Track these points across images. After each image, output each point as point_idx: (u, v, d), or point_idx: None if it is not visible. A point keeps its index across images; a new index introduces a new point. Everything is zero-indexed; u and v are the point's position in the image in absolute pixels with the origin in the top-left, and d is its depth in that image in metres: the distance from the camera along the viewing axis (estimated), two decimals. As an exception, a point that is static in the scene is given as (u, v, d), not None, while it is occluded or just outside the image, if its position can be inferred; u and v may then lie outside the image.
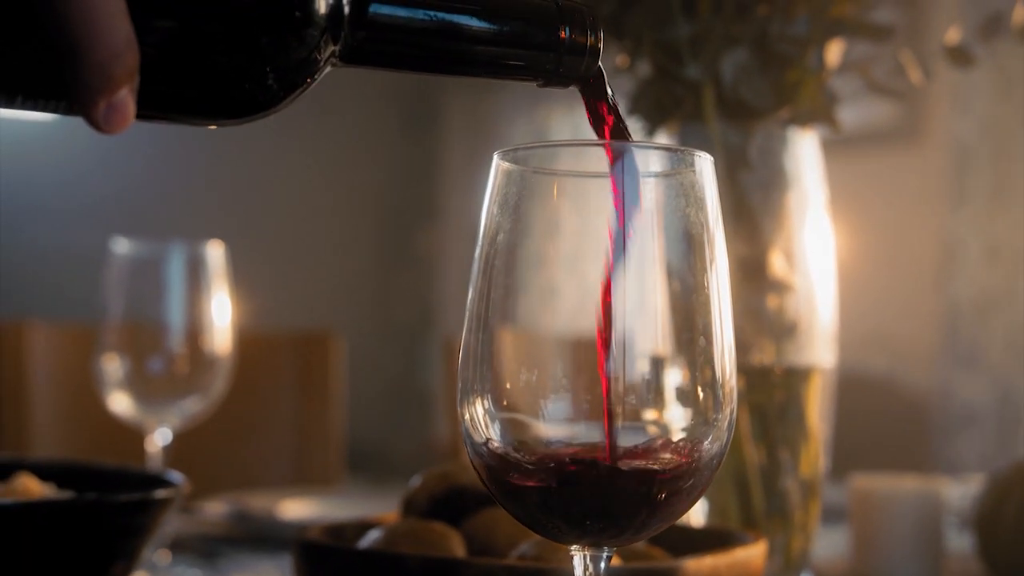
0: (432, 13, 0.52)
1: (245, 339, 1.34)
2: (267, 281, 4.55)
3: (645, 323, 0.51)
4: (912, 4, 3.53)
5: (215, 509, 1.38)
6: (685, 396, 0.51)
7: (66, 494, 0.79)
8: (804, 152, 0.95)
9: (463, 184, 5.78)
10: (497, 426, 0.51)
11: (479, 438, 0.52)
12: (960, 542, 1.34)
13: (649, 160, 0.52)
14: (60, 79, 0.44)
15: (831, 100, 0.95)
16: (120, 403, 1.12)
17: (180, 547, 1.20)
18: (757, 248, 0.93)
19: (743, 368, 0.92)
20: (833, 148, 1.00)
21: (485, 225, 0.53)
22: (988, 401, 3.46)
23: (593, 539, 0.52)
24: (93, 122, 0.45)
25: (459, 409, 0.53)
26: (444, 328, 5.71)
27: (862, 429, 3.26)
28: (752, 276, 0.93)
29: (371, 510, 1.27)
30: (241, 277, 1.20)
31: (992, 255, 3.47)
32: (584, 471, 0.50)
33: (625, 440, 0.50)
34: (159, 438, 1.13)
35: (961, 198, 3.55)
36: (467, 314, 0.53)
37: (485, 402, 0.52)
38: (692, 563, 0.69)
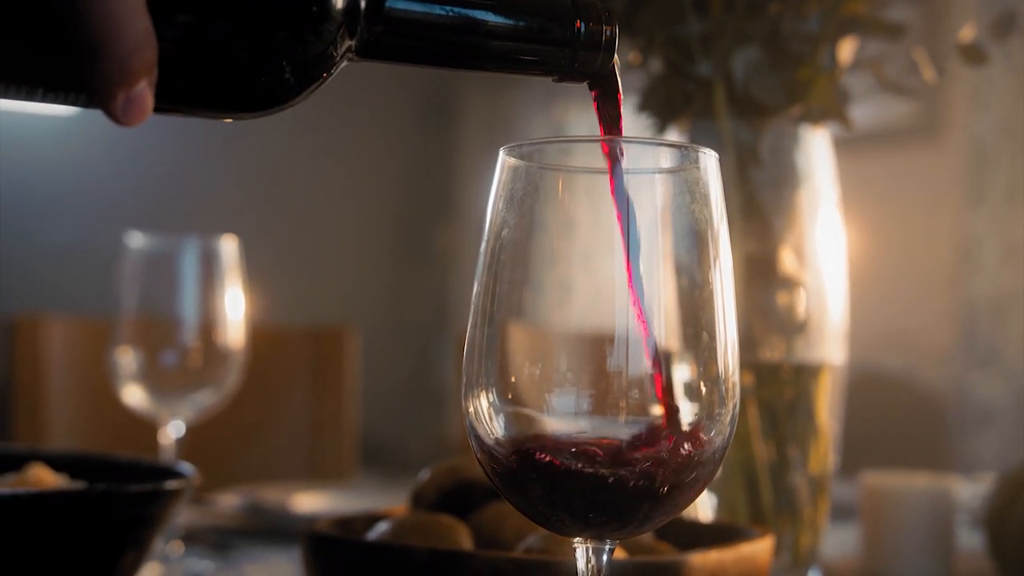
0: (448, 8, 0.52)
1: (259, 333, 1.35)
2: (282, 276, 4.57)
3: (651, 318, 0.51)
4: (928, 2, 3.52)
5: (228, 501, 1.39)
6: (689, 390, 0.52)
7: (78, 485, 0.80)
8: (815, 149, 0.95)
9: (479, 180, 5.78)
10: (501, 419, 0.52)
11: (483, 431, 0.52)
12: (972, 540, 1.34)
13: (654, 157, 0.53)
14: (80, 72, 0.45)
15: (843, 98, 0.95)
16: (134, 396, 1.13)
17: (193, 539, 1.21)
18: (768, 245, 0.93)
19: (753, 364, 0.92)
20: (850, 146, 1.00)
21: (491, 220, 0.54)
22: (1005, 400, 3.45)
23: (596, 532, 0.52)
24: (112, 114, 0.45)
25: (463, 402, 0.53)
26: (459, 324, 5.71)
27: (879, 427, 3.25)
28: (762, 273, 0.93)
29: (382, 503, 1.28)
30: (256, 272, 1.21)
31: (1009, 254, 3.46)
32: (587, 464, 0.50)
33: (628, 433, 0.51)
34: (172, 431, 1.13)
35: (979, 196, 3.53)
36: (472, 309, 0.54)
37: (490, 395, 0.52)
38: (698, 557, 0.69)
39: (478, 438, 0.53)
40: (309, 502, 1.40)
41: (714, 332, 0.52)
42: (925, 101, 3.66)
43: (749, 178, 0.91)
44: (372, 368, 3.12)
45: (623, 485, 0.51)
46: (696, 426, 0.52)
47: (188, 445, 1.16)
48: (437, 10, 0.52)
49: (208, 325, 1.13)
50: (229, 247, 1.16)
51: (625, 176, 0.52)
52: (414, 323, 5.73)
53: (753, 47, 0.89)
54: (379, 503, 1.31)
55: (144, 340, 1.12)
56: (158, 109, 0.47)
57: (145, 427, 1.31)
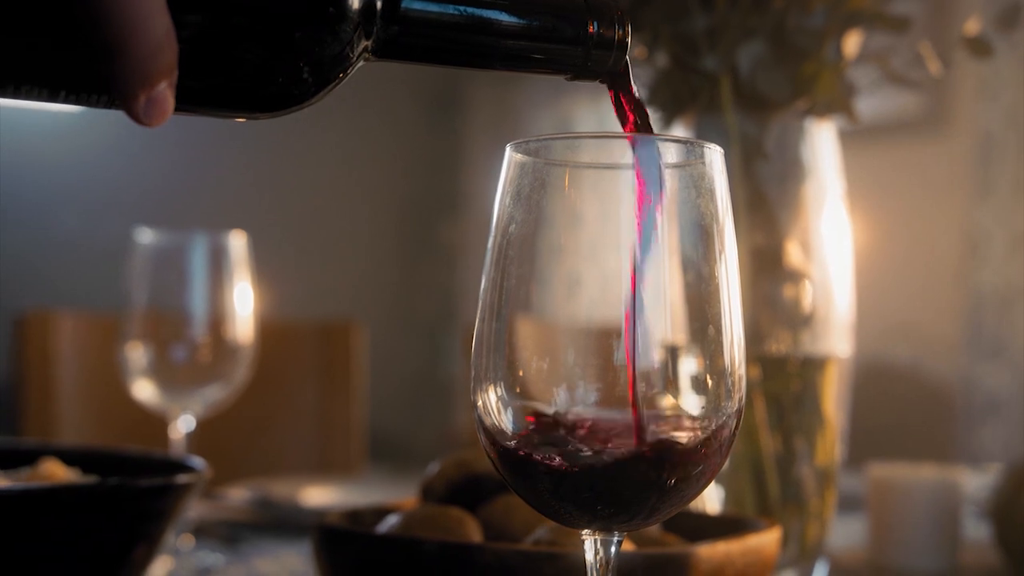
0: (463, 8, 0.53)
1: (267, 328, 1.35)
2: (289, 272, 4.58)
3: (658, 313, 0.52)
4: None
5: (237, 495, 1.40)
6: (696, 383, 0.52)
7: (90, 479, 0.81)
8: (821, 143, 0.96)
9: (486, 176, 5.78)
10: (509, 413, 0.52)
11: (492, 424, 0.53)
12: (979, 531, 1.34)
13: (660, 152, 0.53)
14: (101, 74, 0.46)
15: (848, 91, 0.95)
16: (144, 390, 1.14)
17: (203, 532, 1.22)
18: (774, 239, 0.93)
19: (759, 357, 0.93)
20: (857, 138, 1.00)
21: (498, 216, 0.54)
22: (1012, 391, 3.45)
23: (604, 524, 0.53)
24: (133, 115, 0.46)
25: (472, 396, 0.54)
26: (466, 319, 5.72)
27: (886, 419, 3.25)
28: (768, 266, 0.93)
29: (391, 497, 1.29)
30: (264, 267, 1.21)
31: (1016, 246, 3.45)
32: (595, 456, 0.50)
33: (638, 428, 0.51)
34: (182, 425, 1.14)
35: (986, 188, 3.53)
36: (480, 303, 0.54)
37: (498, 389, 0.53)
38: (705, 549, 0.70)
39: (487, 431, 0.53)
40: (318, 496, 1.41)
41: (720, 326, 0.53)
42: (931, 94, 3.66)
43: (755, 172, 0.91)
44: (379, 363, 3.13)
45: (631, 478, 0.51)
46: (703, 419, 0.52)
47: (197, 439, 1.17)
48: (452, 10, 0.53)
49: (217, 320, 1.14)
50: (238, 242, 1.17)
51: (632, 171, 0.52)
52: (421, 318, 5.74)
53: (758, 41, 0.90)
54: (387, 496, 1.31)
55: (154, 335, 1.13)
56: (177, 109, 0.48)
57: (154, 423, 1.32)
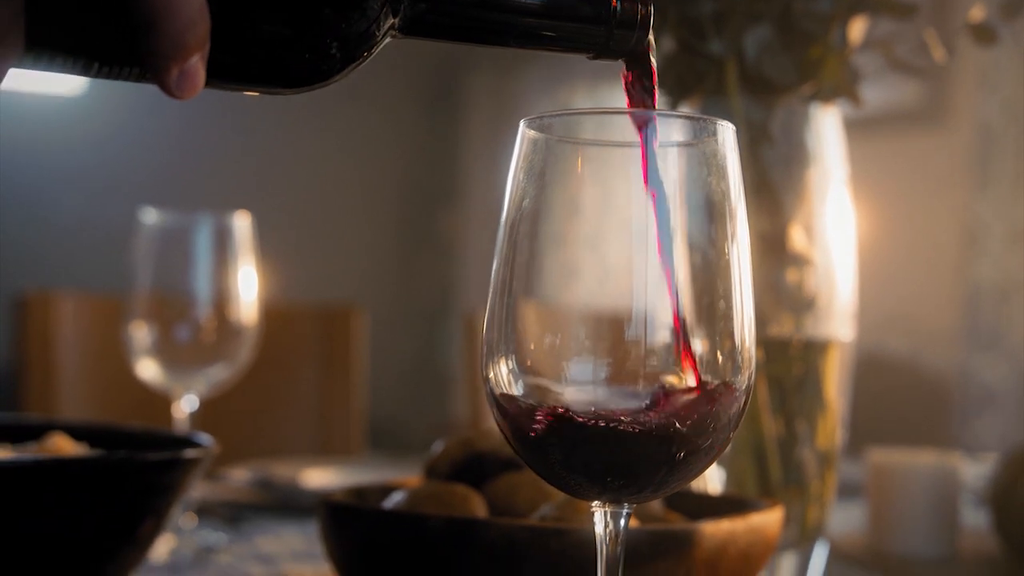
0: None
1: (268, 312, 1.36)
2: (287, 257, 4.58)
3: (675, 287, 0.52)
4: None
5: (239, 476, 1.40)
6: (706, 359, 0.53)
7: (98, 452, 0.81)
8: (826, 128, 0.96)
9: (485, 164, 5.78)
10: (520, 386, 0.53)
11: (503, 398, 0.53)
12: (976, 519, 1.35)
13: (671, 129, 0.53)
14: (134, 46, 0.46)
15: (853, 76, 0.95)
16: (148, 370, 1.14)
17: (205, 512, 1.22)
18: (777, 222, 0.94)
19: (762, 340, 0.93)
20: (856, 128, 1.01)
21: (511, 192, 0.55)
22: (1008, 383, 3.46)
23: (613, 495, 0.53)
24: (166, 88, 0.47)
25: (483, 370, 0.54)
26: (464, 308, 5.73)
27: (883, 409, 3.26)
28: (772, 250, 0.94)
29: (393, 478, 1.29)
30: (262, 252, 1.22)
31: (1015, 238, 3.46)
32: (606, 429, 0.51)
33: (646, 400, 0.51)
34: (186, 404, 1.15)
35: (985, 180, 3.54)
36: (492, 279, 0.55)
37: (509, 362, 0.53)
38: (709, 526, 0.70)
39: (498, 404, 0.54)
40: (319, 477, 1.41)
41: (731, 302, 0.53)
42: (931, 85, 3.67)
43: (760, 156, 0.92)
44: (376, 352, 3.13)
45: (641, 450, 0.52)
46: (711, 395, 0.53)
47: (197, 422, 1.18)
48: None
49: (221, 300, 1.15)
50: (242, 223, 1.17)
51: (651, 148, 0.53)
52: (419, 306, 5.74)
53: (765, 26, 0.90)
54: (388, 477, 1.32)
55: (158, 315, 1.13)
56: (207, 84, 0.49)
57: (156, 404, 1.33)
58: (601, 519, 0.54)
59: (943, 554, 1.16)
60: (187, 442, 0.83)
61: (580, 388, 0.52)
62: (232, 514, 1.25)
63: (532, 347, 0.53)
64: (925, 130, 3.73)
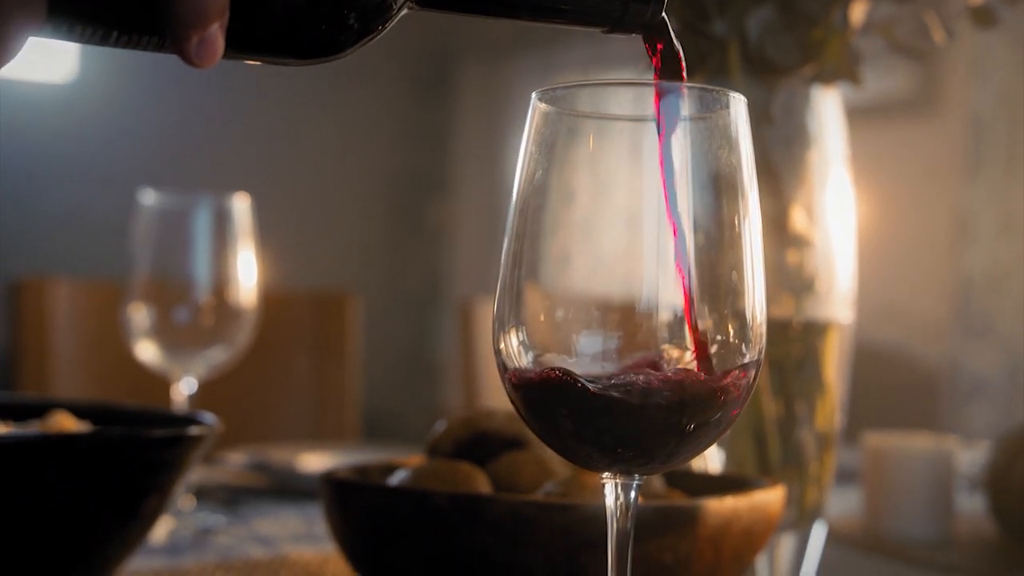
0: None
1: (262, 297, 1.36)
2: (280, 244, 4.57)
3: (680, 259, 0.52)
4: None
5: (235, 460, 1.40)
6: (717, 333, 0.53)
7: (103, 428, 0.81)
8: (827, 110, 0.96)
9: (477, 153, 5.78)
10: (531, 358, 0.53)
11: (514, 369, 0.53)
12: (971, 504, 1.36)
13: (683, 101, 0.53)
14: (154, 15, 0.46)
15: (854, 58, 0.96)
16: (147, 352, 1.14)
17: (203, 496, 1.22)
18: (778, 203, 0.94)
19: (762, 321, 0.93)
20: (848, 117, 1.01)
21: (522, 165, 0.55)
22: (998, 372, 3.47)
23: (624, 467, 0.53)
24: (186, 56, 0.47)
25: (494, 342, 0.54)
26: (454, 298, 5.72)
27: (873, 399, 3.27)
28: (772, 231, 0.94)
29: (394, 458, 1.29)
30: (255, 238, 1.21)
31: (1006, 227, 3.47)
32: (617, 399, 0.51)
33: (657, 372, 0.52)
34: (184, 387, 1.14)
35: (976, 170, 3.54)
36: (503, 252, 0.55)
37: (520, 335, 0.53)
38: (713, 503, 0.71)
39: (509, 376, 0.54)
40: (315, 461, 1.41)
41: (742, 277, 0.53)
42: (923, 73, 3.67)
43: (761, 136, 0.92)
44: (367, 339, 3.13)
45: (651, 421, 0.52)
46: (723, 368, 0.53)
47: (191, 406, 1.17)
48: None
49: (221, 282, 1.14)
50: (242, 205, 1.17)
51: (656, 121, 0.53)
52: (409, 296, 5.74)
53: (767, 6, 0.90)
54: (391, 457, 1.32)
55: (157, 296, 1.13)
56: (224, 54, 0.49)
57: (152, 389, 1.32)
58: (612, 491, 0.54)
59: (939, 537, 1.17)
60: (190, 420, 0.83)
61: (591, 360, 0.52)
62: (229, 497, 1.25)
63: (542, 319, 0.53)
64: (917, 119, 3.74)
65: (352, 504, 0.74)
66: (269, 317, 1.64)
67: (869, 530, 1.19)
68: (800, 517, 0.96)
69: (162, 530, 1.05)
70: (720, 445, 0.96)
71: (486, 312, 2.03)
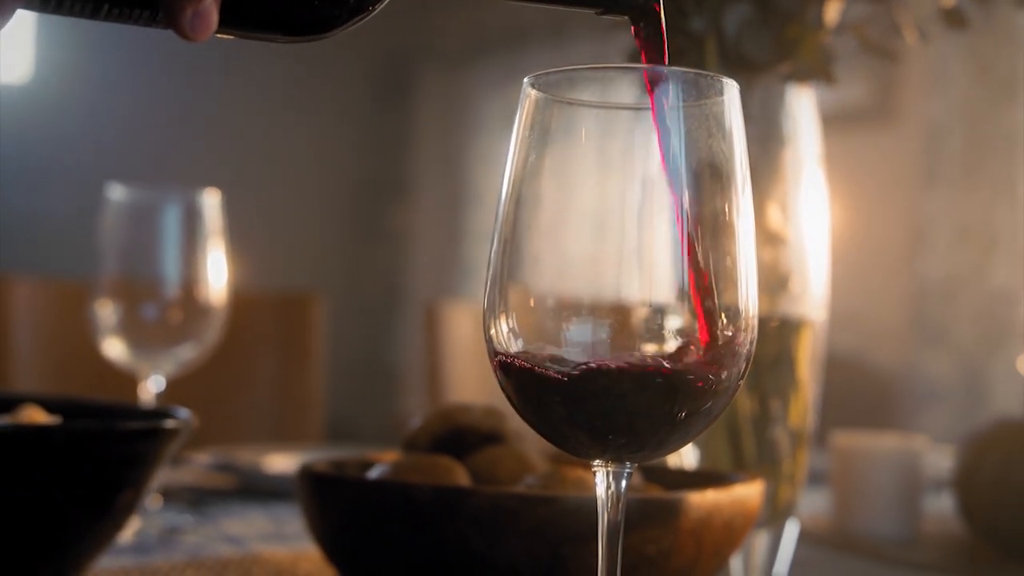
0: None
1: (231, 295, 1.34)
2: (237, 248, 4.53)
3: (672, 250, 0.52)
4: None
5: (201, 461, 1.39)
6: (709, 322, 0.53)
7: (79, 421, 0.80)
8: (801, 108, 0.97)
9: (435, 160, 5.77)
10: (521, 344, 0.53)
11: (504, 356, 0.53)
12: (936, 504, 1.37)
13: (677, 87, 0.53)
14: None
15: (828, 56, 0.96)
16: (114, 349, 1.12)
17: (169, 496, 1.21)
18: (754, 200, 0.94)
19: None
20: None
21: (513, 151, 0.54)
22: (953, 378, 3.51)
23: (615, 454, 0.53)
24: (179, 29, 0.47)
25: (484, 329, 0.54)
26: (413, 305, 5.71)
27: (830, 404, 3.29)
28: (748, 229, 0.94)
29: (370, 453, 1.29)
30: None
31: (962, 235, 3.51)
32: (608, 388, 0.51)
33: (649, 360, 0.51)
34: (152, 385, 1.13)
35: (932, 179, 3.58)
36: (494, 237, 0.54)
37: (509, 321, 0.53)
38: (695, 496, 0.71)
39: (500, 363, 0.53)
40: (282, 462, 1.40)
41: (735, 266, 0.53)
42: (880, 84, 3.71)
43: (738, 134, 0.92)
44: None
45: (643, 408, 0.51)
46: (714, 357, 0.53)
47: (162, 402, 1.16)
48: None
49: (190, 278, 1.13)
50: (212, 201, 1.16)
51: (647, 108, 0.53)
52: (368, 301, 5.72)
53: (744, 4, 0.90)
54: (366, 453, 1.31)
55: (124, 293, 1.12)
56: (218, 30, 0.48)
57: (114, 389, 1.31)
58: (603, 480, 0.54)
59: (907, 536, 1.18)
60: (163, 414, 0.82)
61: (582, 347, 0.52)
62: (195, 498, 1.24)
63: (532, 306, 0.53)
64: (874, 128, 3.77)
65: (331, 498, 0.73)
66: (232, 318, 1.62)
67: (838, 529, 1.20)
68: (773, 515, 0.97)
69: (129, 529, 1.04)
70: (695, 443, 0.96)
71: (451, 314, 2.02)
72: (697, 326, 0.52)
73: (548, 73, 0.54)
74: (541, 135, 0.54)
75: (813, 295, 0.98)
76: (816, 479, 1.34)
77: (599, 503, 0.54)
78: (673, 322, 0.52)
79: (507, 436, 0.83)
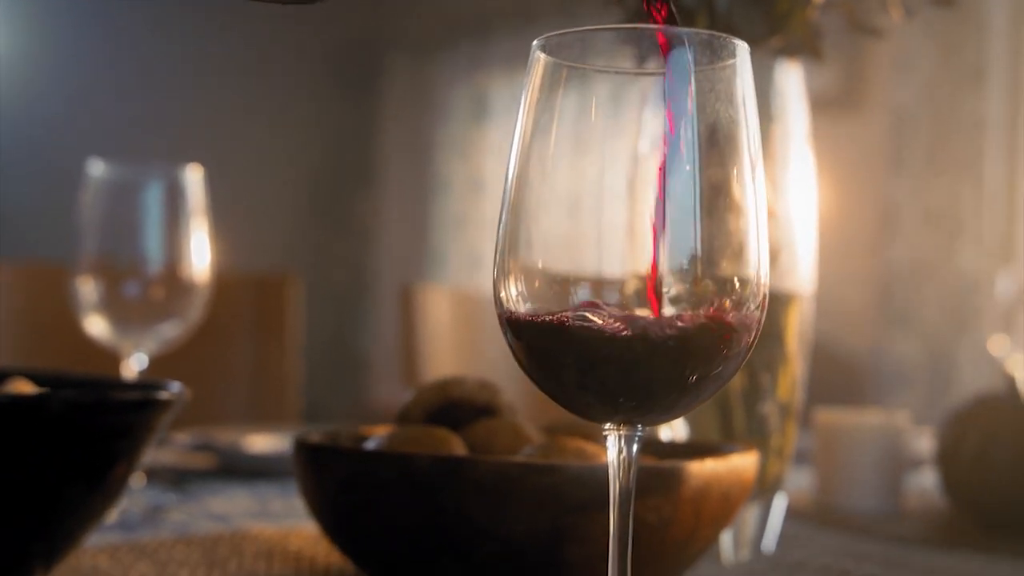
0: None
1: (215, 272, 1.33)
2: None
3: (684, 215, 0.52)
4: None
5: (181, 441, 1.38)
6: (721, 288, 0.52)
7: (74, 391, 0.78)
8: (790, 84, 0.97)
9: (402, 148, 5.75)
10: (529, 307, 0.52)
11: (514, 317, 0.53)
12: (917, 480, 1.38)
13: (687, 49, 0.53)
14: None
15: (816, 33, 0.97)
16: (96, 326, 1.11)
17: (151, 475, 1.20)
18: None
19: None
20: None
21: (523, 111, 0.54)
22: (920, 363, 3.54)
23: (625, 417, 0.53)
24: None
25: (494, 291, 0.54)
26: (379, 294, 5.69)
27: (799, 389, 3.31)
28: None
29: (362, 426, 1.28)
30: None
31: (927, 220, 3.54)
32: (621, 348, 0.51)
33: (660, 322, 0.51)
34: (135, 363, 1.12)
35: (899, 164, 3.61)
36: (503, 198, 0.54)
37: (519, 283, 0.53)
38: (695, 465, 0.71)
39: (510, 325, 0.53)
40: (262, 442, 1.39)
41: (747, 234, 0.53)
42: (847, 70, 3.73)
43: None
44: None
45: (654, 371, 0.51)
46: (727, 322, 0.52)
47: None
48: None
49: (173, 256, 1.12)
50: (195, 177, 1.15)
51: (656, 74, 0.52)
52: (335, 289, 5.69)
53: (735, -22, 0.90)
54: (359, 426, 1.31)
55: (106, 270, 1.10)
56: None
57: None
58: (615, 444, 0.54)
59: (888, 510, 1.19)
60: (153, 387, 0.81)
61: (595, 308, 0.52)
62: (177, 477, 1.23)
63: (540, 266, 0.53)
64: (841, 114, 3.79)
65: (328, 470, 0.73)
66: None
67: (821, 504, 1.21)
68: (762, 489, 0.97)
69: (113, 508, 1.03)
70: (686, 418, 0.96)
71: (427, 297, 2.01)
72: (710, 292, 0.52)
73: (559, 35, 0.54)
74: (549, 97, 0.54)
75: (802, 270, 0.99)
76: (798, 458, 1.35)
77: (611, 468, 0.54)
78: (686, 287, 0.52)
79: (501, 409, 0.83)
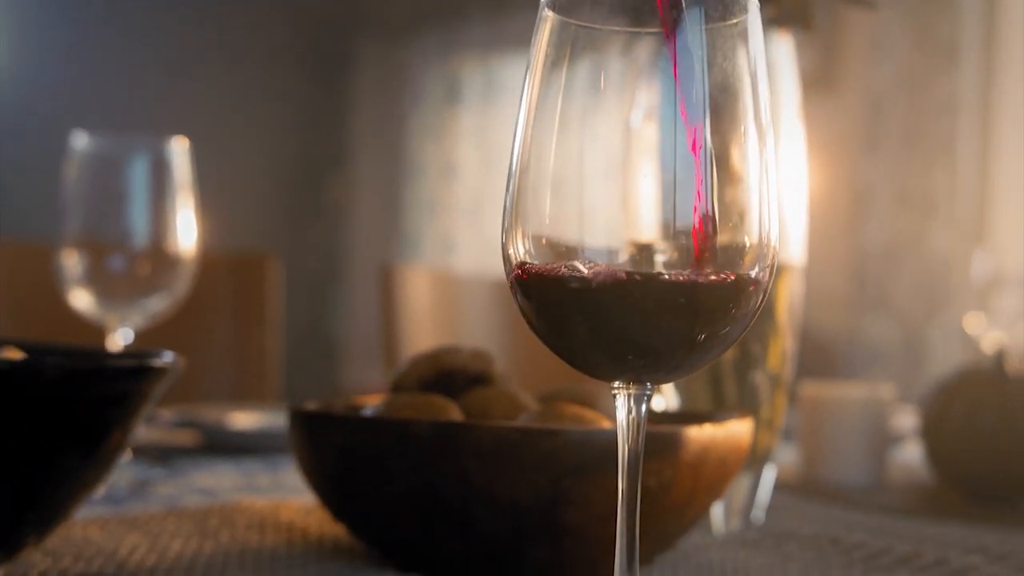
0: None
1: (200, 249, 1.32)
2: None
3: (692, 176, 0.52)
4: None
5: (165, 418, 1.37)
6: (732, 248, 0.52)
7: (70, 358, 0.78)
8: (782, 57, 0.97)
9: (373, 132, 5.73)
10: (540, 261, 0.52)
11: (524, 271, 0.52)
12: (899, 455, 1.39)
13: (697, 12, 0.53)
14: None
15: (807, 2, 0.97)
16: (81, 300, 1.10)
17: (136, 451, 1.19)
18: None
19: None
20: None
21: (531, 72, 0.54)
22: (893, 342, 3.56)
23: (634, 375, 0.53)
24: None
25: (503, 247, 0.53)
26: (350, 278, 5.67)
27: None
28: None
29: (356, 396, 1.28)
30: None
31: (901, 201, 3.56)
32: (631, 305, 0.50)
33: (670, 280, 0.51)
34: (121, 337, 1.11)
35: (873, 146, 3.62)
36: (512, 157, 0.54)
37: (526, 242, 0.52)
38: (693, 430, 0.71)
39: (519, 281, 0.53)
40: (245, 419, 1.39)
41: (758, 193, 0.53)
42: (823, 51, 3.74)
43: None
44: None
45: (663, 329, 0.51)
46: (735, 281, 0.52)
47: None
48: None
49: (158, 229, 1.11)
50: (180, 149, 1.14)
51: (664, 34, 0.52)
52: (306, 274, 5.67)
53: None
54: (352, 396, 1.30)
55: (91, 244, 1.09)
56: None
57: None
58: (624, 404, 0.53)
59: (873, 482, 1.19)
60: (145, 355, 0.80)
61: (605, 266, 0.51)
62: (163, 453, 1.22)
63: (549, 222, 0.52)
64: (816, 96, 3.81)
65: (325, 438, 0.72)
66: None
67: (807, 477, 1.21)
68: (752, 459, 0.97)
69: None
70: (677, 388, 0.96)
71: (407, 277, 2.01)
72: (721, 251, 0.52)
73: (568, -9, 0.53)
74: (557, 57, 0.53)
75: (792, 240, 0.99)
76: (783, 433, 1.35)
77: (619, 430, 0.54)
78: (696, 246, 0.52)
79: (495, 378, 0.83)
